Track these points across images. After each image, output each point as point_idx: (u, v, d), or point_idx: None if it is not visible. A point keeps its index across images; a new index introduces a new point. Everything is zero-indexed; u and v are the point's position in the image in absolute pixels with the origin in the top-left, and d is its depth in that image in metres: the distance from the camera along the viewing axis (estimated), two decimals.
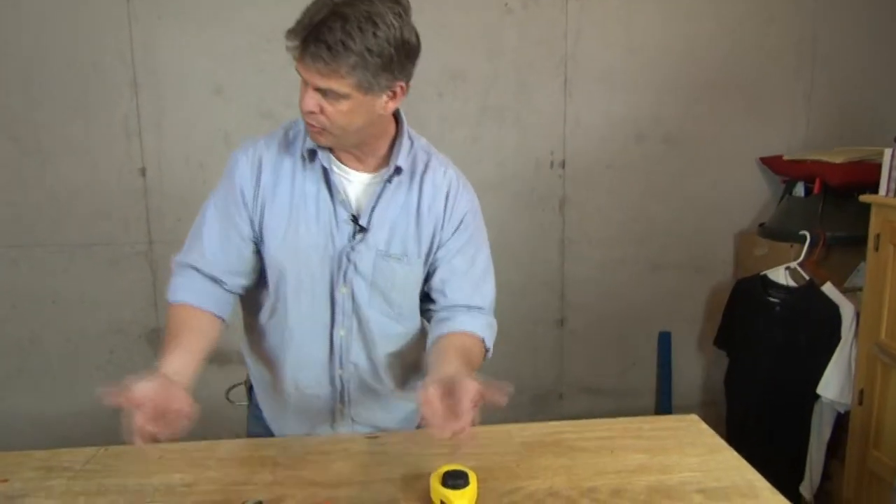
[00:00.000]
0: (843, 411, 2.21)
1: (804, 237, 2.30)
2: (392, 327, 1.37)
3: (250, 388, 1.54)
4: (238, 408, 1.58)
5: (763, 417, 2.34)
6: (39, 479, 1.20)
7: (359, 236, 1.29)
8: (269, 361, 1.42)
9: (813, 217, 2.36)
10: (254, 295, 1.38)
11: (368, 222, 1.29)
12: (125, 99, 2.43)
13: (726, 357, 2.59)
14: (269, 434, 1.46)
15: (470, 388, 1.04)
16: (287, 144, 1.30)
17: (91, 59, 2.40)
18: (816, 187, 2.41)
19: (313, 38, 1.08)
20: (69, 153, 2.45)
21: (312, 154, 1.27)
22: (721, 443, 1.30)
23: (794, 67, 2.66)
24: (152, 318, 2.58)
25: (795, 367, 2.25)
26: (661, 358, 2.76)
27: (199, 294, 1.29)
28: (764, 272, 2.37)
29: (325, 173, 1.28)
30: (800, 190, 2.51)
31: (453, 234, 1.34)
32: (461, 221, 1.34)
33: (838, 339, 2.16)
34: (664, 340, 2.76)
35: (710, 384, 2.82)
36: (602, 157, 2.63)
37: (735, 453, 1.25)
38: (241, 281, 1.33)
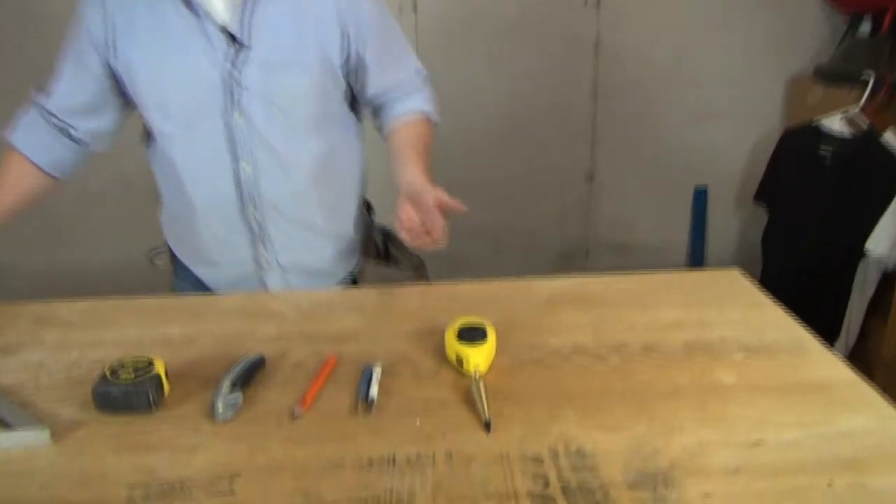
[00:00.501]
0: (891, 267, 2.07)
1: (867, 80, 2.06)
2: (305, 148, 1.27)
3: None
4: (162, 271, 1.51)
5: (802, 275, 2.22)
6: (33, 330, 1.14)
7: (241, 54, 1.17)
8: (180, 216, 1.34)
9: (878, 58, 2.11)
10: (149, 147, 1.32)
11: (247, 36, 1.16)
12: None
13: (766, 213, 2.43)
14: (199, 288, 1.41)
15: (431, 199, 1.10)
16: None
17: None
18: (886, 23, 2.13)
19: None
20: None
21: None
22: (765, 298, 1.18)
23: None
24: None
25: (843, 222, 2.09)
26: (696, 215, 2.61)
27: (36, 143, 1.27)
28: (817, 120, 2.15)
29: None
30: (866, 27, 2.23)
31: (357, 38, 1.24)
32: (359, 22, 1.23)
33: (894, 192, 1.99)
34: (700, 196, 2.60)
35: (745, 243, 2.68)
36: None
37: (781, 309, 1.14)
38: (92, 124, 1.28)
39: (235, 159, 1.24)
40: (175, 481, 0.77)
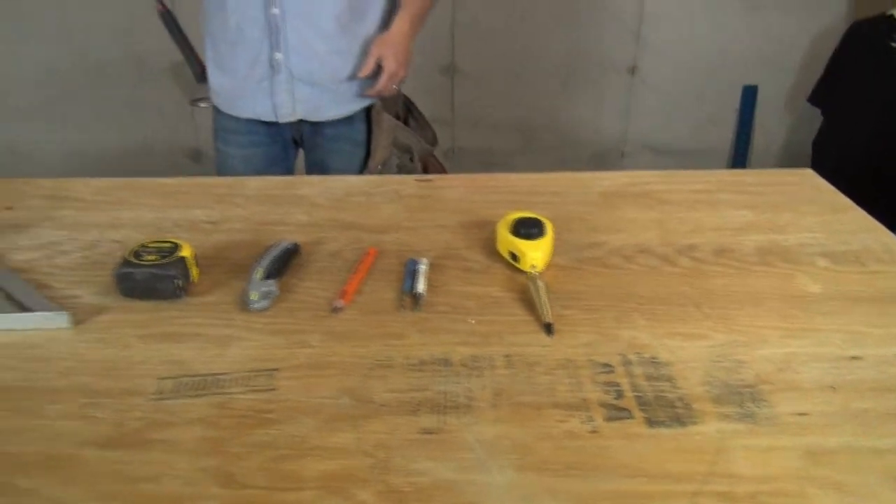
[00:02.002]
0: None
1: None
2: None
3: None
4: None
5: (860, 182, 2.08)
6: (46, 208, 1.06)
7: None
8: (213, 18, 1.38)
9: None
10: None
11: None
12: None
13: (821, 115, 2.27)
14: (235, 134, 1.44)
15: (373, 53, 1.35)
16: None
17: None
18: None
19: None
20: None
21: None
22: (847, 201, 1.07)
23: None
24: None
25: None
26: (743, 115, 2.44)
27: None
28: (892, 11, 1.96)
29: None
30: None
31: None
32: None
33: None
34: (748, 94, 2.42)
35: (792, 147, 2.53)
36: None
37: (865, 213, 1.03)
38: None
39: (267, 3, 1.30)
40: (207, 374, 0.70)
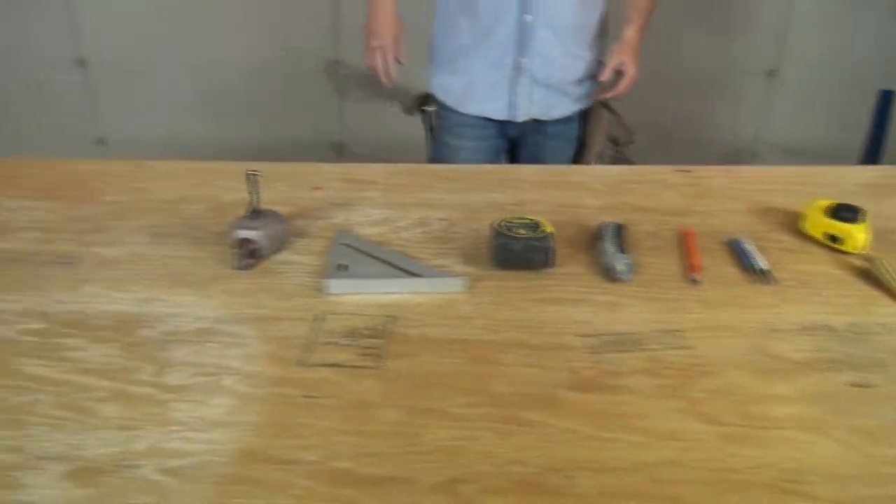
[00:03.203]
0: None
1: None
2: None
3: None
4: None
5: None
6: (352, 189, 1.15)
7: None
8: (455, 20, 1.47)
9: None
10: None
11: None
12: None
13: None
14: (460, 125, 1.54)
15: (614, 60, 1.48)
16: None
17: None
18: None
19: None
20: None
21: None
22: None
23: None
24: (330, 48, 2.42)
25: None
26: (878, 119, 2.50)
27: None
28: None
29: None
30: None
31: None
32: None
33: None
34: (885, 99, 2.47)
35: None
36: None
37: None
38: None
39: (520, 11, 1.39)
40: (621, 333, 0.79)
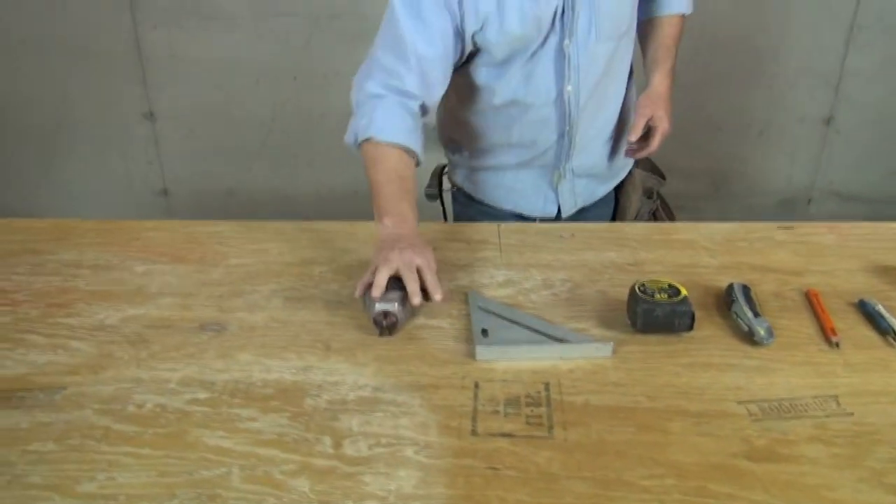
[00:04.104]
0: None
1: None
2: (620, 51, 1.28)
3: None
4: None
5: None
6: (467, 250, 1.17)
7: None
8: (489, 155, 1.36)
9: None
10: (467, 84, 1.28)
11: None
12: None
13: None
14: (486, 214, 1.41)
15: (654, 124, 1.32)
16: None
17: None
18: None
19: None
20: None
21: None
22: None
23: None
24: None
25: None
26: None
27: (405, 131, 1.14)
28: None
29: None
30: None
31: None
32: None
33: None
34: None
35: None
36: None
37: None
38: (437, 93, 1.19)
39: (560, 83, 1.24)
40: (782, 399, 0.80)
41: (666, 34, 1.37)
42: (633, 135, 1.30)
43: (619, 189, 1.50)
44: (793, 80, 2.42)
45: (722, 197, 2.59)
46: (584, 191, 1.40)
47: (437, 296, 0.96)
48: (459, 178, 1.47)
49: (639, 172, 1.50)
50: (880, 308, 0.96)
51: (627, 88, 1.38)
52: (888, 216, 2.62)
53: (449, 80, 1.20)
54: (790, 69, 2.40)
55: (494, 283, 1.06)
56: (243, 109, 2.51)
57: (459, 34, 1.16)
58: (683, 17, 1.39)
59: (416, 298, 0.94)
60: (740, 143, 2.51)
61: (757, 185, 2.58)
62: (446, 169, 1.52)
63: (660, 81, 1.34)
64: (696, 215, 2.60)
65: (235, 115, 2.52)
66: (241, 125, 2.53)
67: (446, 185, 1.53)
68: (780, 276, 1.07)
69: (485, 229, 1.25)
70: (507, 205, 1.42)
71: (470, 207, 1.47)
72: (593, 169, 1.39)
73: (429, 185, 1.55)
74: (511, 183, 1.40)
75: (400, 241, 1.01)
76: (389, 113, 1.15)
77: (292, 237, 1.22)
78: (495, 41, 1.18)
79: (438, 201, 1.55)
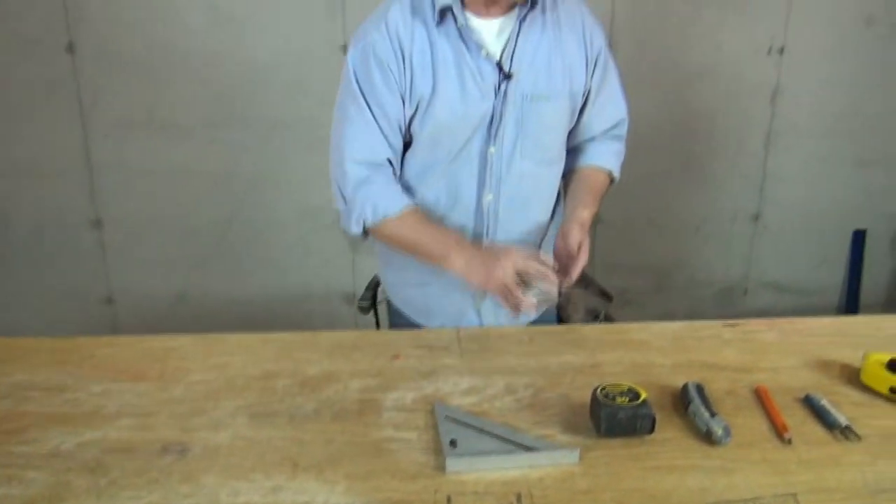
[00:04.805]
0: None
1: None
2: (543, 176, 1.35)
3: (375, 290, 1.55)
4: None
5: None
6: (427, 357, 1.19)
7: (504, 85, 1.24)
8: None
9: None
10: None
11: (511, 66, 1.24)
12: None
13: None
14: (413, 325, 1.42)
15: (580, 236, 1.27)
16: (413, 11, 1.23)
17: None
18: None
19: None
20: (268, 26, 2.34)
21: (443, 13, 1.21)
22: None
23: None
24: None
25: None
26: (853, 256, 2.70)
27: (403, 194, 1.28)
28: None
29: (459, 31, 1.22)
30: None
31: (594, 69, 1.33)
32: (599, 53, 1.32)
33: None
34: (858, 238, 2.69)
35: None
36: (824, 43, 2.47)
37: None
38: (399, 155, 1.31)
39: (480, 190, 1.30)
40: (745, 499, 0.82)
41: (593, 180, 1.40)
42: (561, 256, 1.27)
43: (559, 308, 1.49)
44: (722, 181, 2.61)
45: (665, 290, 2.71)
46: (507, 315, 1.28)
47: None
48: (389, 292, 1.49)
49: (578, 293, 1.50)
50: (825, 403, 1.02)
51: (553, 216, 1.42)
52: (818, 305, 2.81)
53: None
54: (719, 171, 2.59)
55: (458, 390, 1.08)
56: (195, 216, 2.52)
57: (403, 115, 1.25)
58: (611, 177, 1.43)
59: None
60: (679, 239, 2.65)
61: (697, 278, 2.71)
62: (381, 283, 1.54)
63: (587, 217, 1.31)
64: (642, 310, 2.72)
65: (187, 222, 2.52)
66: (192, 231, 2.53)
67: (380, 296, 1.55)
68: (730, 373, 1.13)
69: (445, 335, 1.27)
70: (434, 322, 1.40)
71: (403, 320, 1.46)
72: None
73: (362, 298, 1.58)
74: (435, 302, 1.40)
75: (482, 260, 1.20)
76: (385, 190, 1.27)
77: (254, 349, 1.21)
78: (423, 128, 1.25)
79: (372, 313, 1.57)
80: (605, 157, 1.42)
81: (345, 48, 2.34)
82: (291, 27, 2.35)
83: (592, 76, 1.33)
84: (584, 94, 1.33)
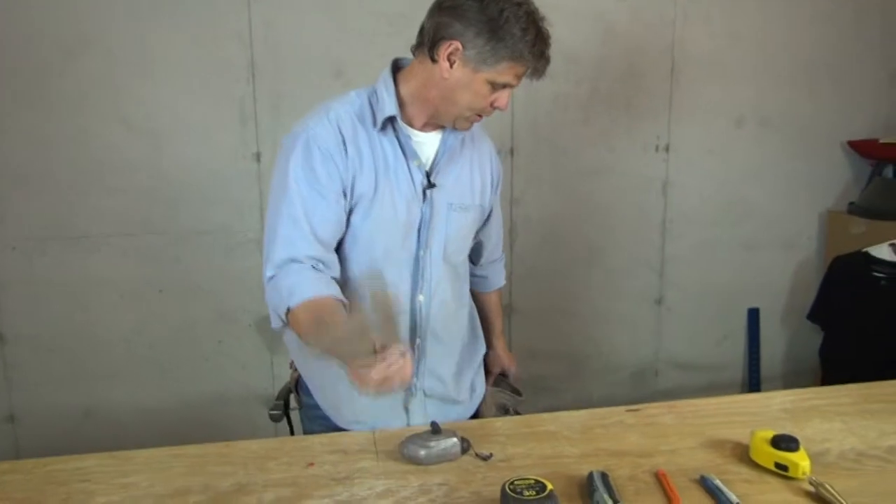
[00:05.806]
0: None
1: None
2: (461, 275, 1.48)
3: (295, 390, 1.51)
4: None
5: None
6: (343, 462, 1.20)
7: (432, 195, 1.35)
8: None
9: None
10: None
11: (438, 179, 1.36)
12: (242, 81, 2.37)
13: (819, 330, 2.72)
14: (334, 428, 1.40)
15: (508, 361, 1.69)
16: (356, 114, 1.31)
17: (209, 38, 2.33)
18: None
19: (545, 57, 1.25)
20: (181, 136, 2.39)
21: (386, 123, 1.31)
22: None
23: (880, 54, 2.81)
24: (263, 305, 2.53)
25: None
26: (751, 332, 2.88)
27: (320, 286, 1.22)
28: (865, 249, 2.50)
29: (398, 139, 1.33)
30: (888, 172, 2.66)
31: (494, 192, 1.51)
32: (499, 178, 1.52)
33: None
34: (753, 316, 2.88)
35: (793, 356, 2.97)
36: (704, 142, 2.73)
37: None
38: (334, 258, 1.30)
39: (414, 291, 1.37)
40: None
41: (494, 303, 1.69)
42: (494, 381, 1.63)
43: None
44: (624, 268, 2.77)
45: (581, 375, 2.80)
46: (436, 412, 1.40)
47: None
48: (312, 392, 1.45)
49: (490, 391, 1.61)
50: (718, 483, 1.08)
51: (470, 316, 1.54)
52: (723, 380, 2.96)
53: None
54: (621, 259, 2.76)
55: (373, 494, 1.09)
56: (104, 327, 2.45)
57: (344, 206, 1.29)
58: (500, 289, 1.72)
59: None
60: (590, 325, 2.77)
61: (610, 362, 2.82)
62: (292, 387, 1.52)
63: (503, 342, 1.72)
64: (559, 396, 2.80)
65: (95, 334, 2.45)
66: (101, 343, 2.46)
67: (293, 404, 1.54)
68: (633, 458, 1.19)
69: (361, 438, 1.28)
70: (360, 425, 1.37)
71: (322, 420, 1.44)
72: (444, 389, 1.45)
73: (273, 408, 1.55)
74: (362, 401, 1.32)
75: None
76: (299, 277, 1.22)
77: (163, 465, 1.19)
78: (364, 225, 1.30)
79: (285, 420, 1.55)
80: (497, 278, 1.69)
81: (258, 156, 2.41)
82: (205, 136, 2.40)
83: (492, 196, 1.51)
84: (488, 211, 1.51)
